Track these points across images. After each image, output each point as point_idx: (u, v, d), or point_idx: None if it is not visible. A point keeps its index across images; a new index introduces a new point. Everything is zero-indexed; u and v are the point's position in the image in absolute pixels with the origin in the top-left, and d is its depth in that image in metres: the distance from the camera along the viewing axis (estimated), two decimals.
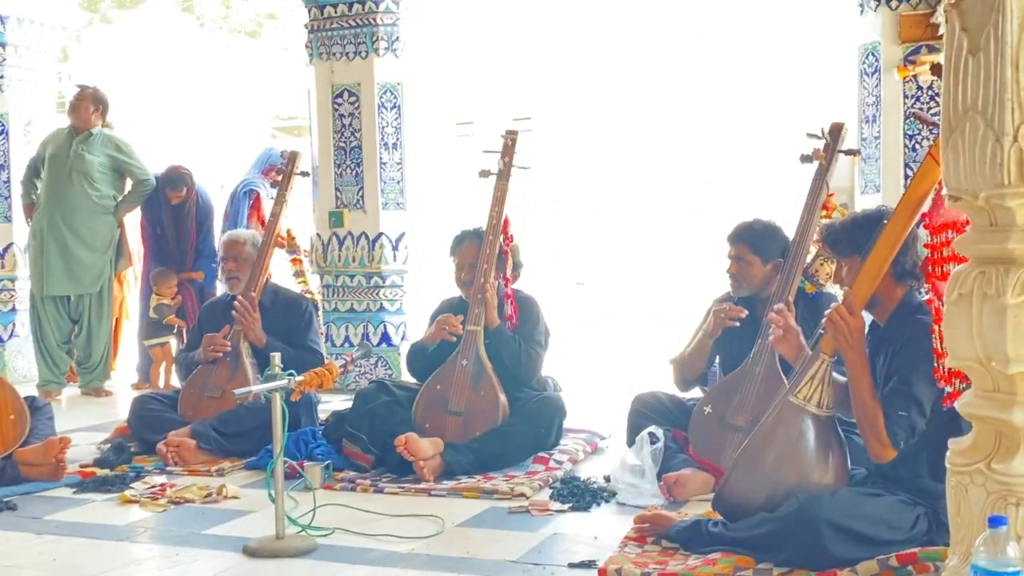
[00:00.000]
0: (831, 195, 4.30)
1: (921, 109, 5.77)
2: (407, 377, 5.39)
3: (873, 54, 5.97)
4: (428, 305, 5.19)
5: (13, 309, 7.77)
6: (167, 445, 4.71)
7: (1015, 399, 2.12)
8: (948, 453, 2.27)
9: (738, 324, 4.25)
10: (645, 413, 4.37)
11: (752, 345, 4.15)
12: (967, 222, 2.33)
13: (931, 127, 5.36)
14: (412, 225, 7.02)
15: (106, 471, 4.57)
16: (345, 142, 6.95)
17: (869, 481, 3.19)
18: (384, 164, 6.91)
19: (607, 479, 4.19)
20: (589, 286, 14.66)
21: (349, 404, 4.78)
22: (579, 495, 3.99)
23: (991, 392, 2.16)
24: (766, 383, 4.03)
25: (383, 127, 6.91)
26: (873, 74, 5.97)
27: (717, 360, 4.53)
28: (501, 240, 4.68)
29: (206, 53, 17.34)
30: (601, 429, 5.06)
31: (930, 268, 2.88)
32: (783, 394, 3.29)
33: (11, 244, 7.77)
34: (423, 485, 4.20)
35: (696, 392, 4.65)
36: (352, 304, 6.99)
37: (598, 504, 3.93)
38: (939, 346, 2.80)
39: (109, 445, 4.92)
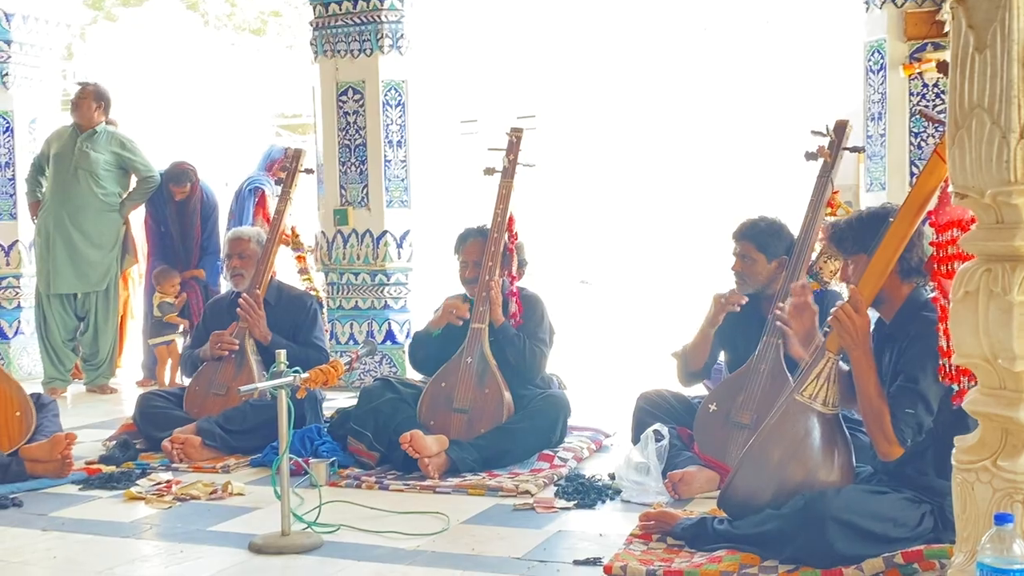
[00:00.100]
0: (836, 192, 4.29)
1: (927, 107, 5.76)
2: (412, 374, 5.39)
3: (879, 51, 5.96)
4: (432, 303, 5.19)
5: (18, 306, 7.79)
6: (172, 442, 4.71)
7: (1021, 396, 2.12)
8: (954, 450, 2.27)
9: (738, 309, 4.25)
10: (650, 411, 4.37)
11: (757, 343, 4.15)
12: (973, 220, 2.33)
13: (937, 125, 5.35)
14: (417, 223, 7.02)
15: (112, 468, 4.57)
16: (350, 140, 6.95)
17: (875, 479, 3.19)
18: (389, 162, 6.91)
19: (612, 477, 4.19)
20: (593, 285, 14.65)
21: (354, 401, 4.78)
22: (584, 492, 3.99)
23: (997, 389, 2.16)
24: (771, 381, 4.03)
25: (388, 125, 6.90)
26: (879, 71, 5.96)
27: (722, 358, 4.54)
28: (506, 238, 4.68)
29: (210, 51, 17.36)
30: (606, 427, 5.06)
31: (935, 266, 2.87)
32: (789, 392, 3.29)
33: (16, 241, 7.78)
34: (428, 482, 4.21)
35: (701, 390, 4.65)
36: (357, 302, 6.99)
37: (603, 502, 3.93)
38: (944, 344, 2.79)
39: (115, 442, 4.93)
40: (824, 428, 3.17)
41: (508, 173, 4.75)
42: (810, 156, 4.28)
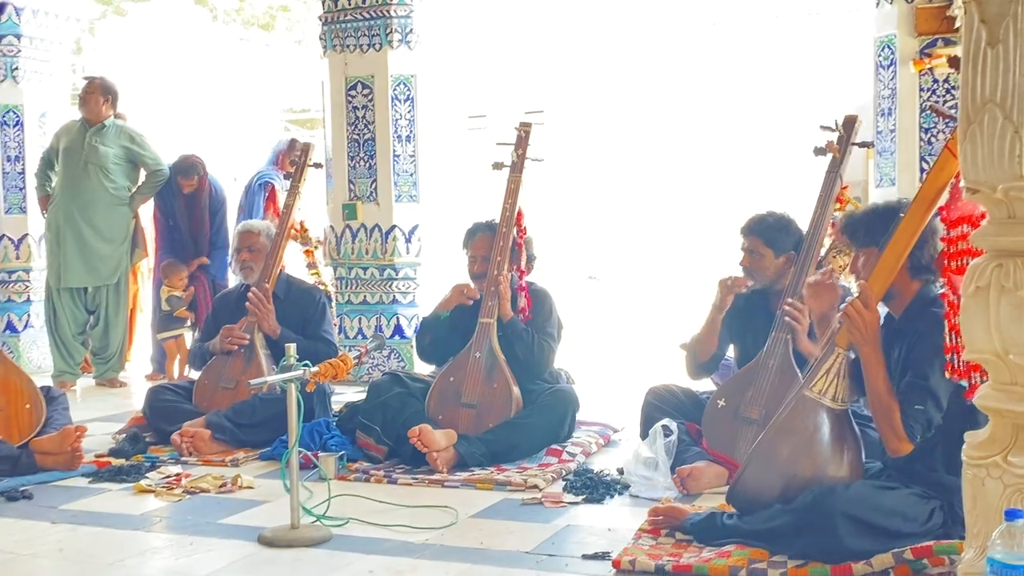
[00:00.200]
0: (845, 188, 4.29)
1: (937, 102, 5.74)
2: (420, 369, 5.40)
3: (889, 47, 5.94)
4: (441, 298, 5.19)
5: (28, 300, 7.81)
6: (182, 435, 4.73)
7: None
8: (964, 446, 2.26)
9: (745, 290, 4.26)
10: (659, 406, 4.37)
11: (766, 338, 4.15)
12: (983, 216, 2.32)
13: (948, 120, 5.34)
14: (425, 217, 7.02)
15: (121, 461, 4.59)
16: (359, 134, 6.95)
17: (884, 475, 3.19)
18: (397, 156, 6.91)
19: (620, 471, 4.19)
20: (602, 280, 14.65)
21: (363, 396, 4.79)
22: (592, 487, 4.00)
23: (1008, 385, 2.15)
24: (780, 376, 4.02)
25: (396, 119, 6.91)
26: (889, 67, 5.94)
27: (731, 353, 4.53)
28: (515, 233, 4.69)
29: (219, 45, 17.37)
30: (614, 422, 5.06)
31: (946, 262, 2.87)
32: (798, 388, 3.29)
33: (26, 235, 7.81)
34: (436, 476, 4.21)
35: (709, 385, 4.65)
36: (365, 296, 7.00)
37: (611, 496, 3.94)
38: (949, 340, 2.78)
39: (124, 435, 4.95)
40: (833, 424, 3.17)
41: (517, 168, 4.75)
42: (819, 151, 4.27)
